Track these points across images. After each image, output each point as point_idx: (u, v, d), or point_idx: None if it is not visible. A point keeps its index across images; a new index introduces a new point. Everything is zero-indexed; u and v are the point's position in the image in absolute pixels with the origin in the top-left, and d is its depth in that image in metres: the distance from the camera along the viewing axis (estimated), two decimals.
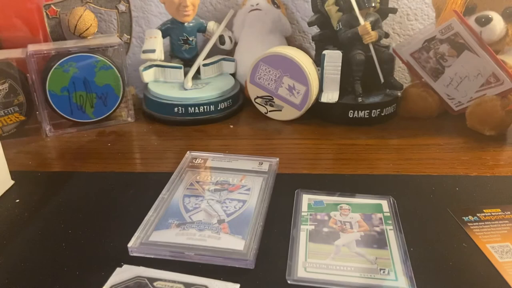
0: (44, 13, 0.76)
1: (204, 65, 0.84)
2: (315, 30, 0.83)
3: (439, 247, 0.46)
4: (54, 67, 0.70)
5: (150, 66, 0.81)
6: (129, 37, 0.84)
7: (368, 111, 0.74)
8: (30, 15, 0.76)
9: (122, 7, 0.81)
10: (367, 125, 0.75)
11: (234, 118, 0.80)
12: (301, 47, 0.86)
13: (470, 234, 0.48)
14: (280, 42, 0.86)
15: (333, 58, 0.73)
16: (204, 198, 0.53)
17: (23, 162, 0.65)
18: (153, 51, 0.79)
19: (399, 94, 0.78)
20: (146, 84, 0.82)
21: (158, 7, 0.91)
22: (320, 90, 0.75)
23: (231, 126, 0.77)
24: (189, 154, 0.64)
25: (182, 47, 0.84)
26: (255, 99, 0.79)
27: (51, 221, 0.51)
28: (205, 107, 0.77)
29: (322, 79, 0.74)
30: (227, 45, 0.87)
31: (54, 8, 0.77)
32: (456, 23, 0.71)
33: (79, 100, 0.73)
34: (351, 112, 0.75)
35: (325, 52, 0.73)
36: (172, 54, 0.86)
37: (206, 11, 0.92)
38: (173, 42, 0.84)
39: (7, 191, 0.57)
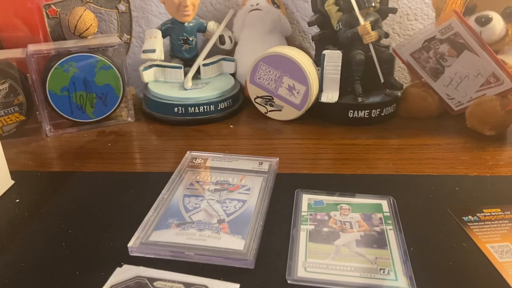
0: (44, 13, 0.76)
1: (204, 65, 0.84)
2: (315, 30, 0.83)
3: (439, 247, 0.46)
4: (54, 67, 0.70)
5: (150, 66, 0.81)
6: (129, 37, 0.84)
7: (368, 111, 0.74)
8: (30, 15, 0.76)
9: (122, 7, 0.81)
10: (367, 125, 0.75)
11: (234, 118, 0.80)
12: (301, 47, 0.86)
13: (470, 234, 0.48)
14: (280, 42, 0.86)
15: (333, 58, 0.73)
16: (204, 198, 0.53)
17: (23, 162, 0.65)
18: (153, 51, 0.79)
19: (399, 94, 0.78)
20: (146, 84, 0.82)
21: (158, 7, 0.91)
22: (320, 90, 0.75)
23: (231, 126, 0.77)
24: (189, 154, 0.64)
25: (182, 47, 0.84)
26: (255, 99, 0.79)
27: (51, 221, 0.51)
28: (205, 107, 0.77)
29: (322, 79, 0.74)
30: (227, 45, 0.87)
31: (54, 8, 0.77)
32: (456, 23, 0.71)
33: (79, 100, 0.73)
34: (351, 112, 0.75)
35: (325, 52, 0.73)
36: (172, 54, 0.86)
37: (206, 11, 0.92)
38: (173, 42, 0.84)
39: (7, 191, 0.57)
